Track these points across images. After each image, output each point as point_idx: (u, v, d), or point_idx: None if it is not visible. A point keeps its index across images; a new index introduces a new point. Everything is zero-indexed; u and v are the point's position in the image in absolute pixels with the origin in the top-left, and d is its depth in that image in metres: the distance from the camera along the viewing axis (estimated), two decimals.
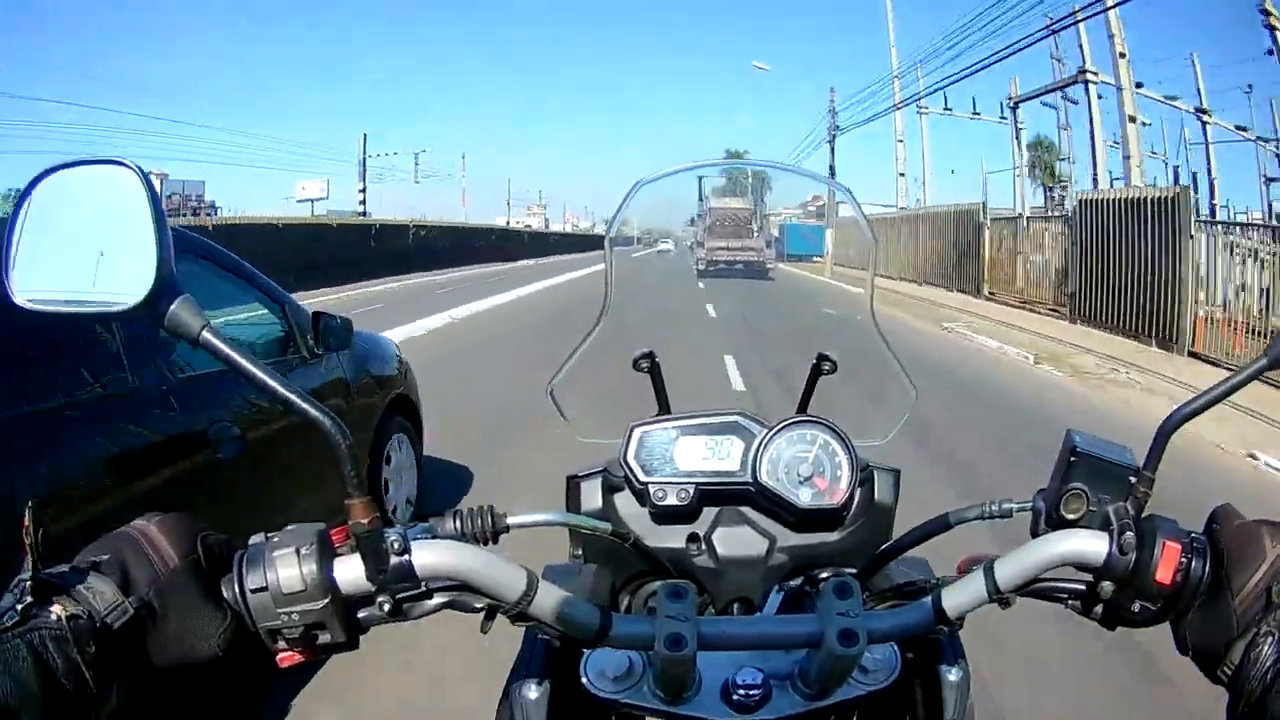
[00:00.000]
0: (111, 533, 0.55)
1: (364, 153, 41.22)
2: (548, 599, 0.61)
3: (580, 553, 0.89)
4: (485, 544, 0.65)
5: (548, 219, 69.43)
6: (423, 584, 0.60)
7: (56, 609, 0.48)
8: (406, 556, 0.58)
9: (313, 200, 37.71)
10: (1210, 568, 0.62)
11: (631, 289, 1.05)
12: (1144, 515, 0.65)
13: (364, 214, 36.24)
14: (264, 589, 0.55)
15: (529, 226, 60.91)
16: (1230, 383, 0.64)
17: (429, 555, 0.59)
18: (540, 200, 77.26)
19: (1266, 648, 0.57)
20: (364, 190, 39.86)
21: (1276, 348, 0.63)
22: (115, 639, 0.50)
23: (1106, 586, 0.64)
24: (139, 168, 0.56)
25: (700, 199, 7.11)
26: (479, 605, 0.62)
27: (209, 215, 25.08)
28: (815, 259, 33.01)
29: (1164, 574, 0.62)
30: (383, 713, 2.49)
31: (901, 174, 32.02)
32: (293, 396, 0.55)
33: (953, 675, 0.77)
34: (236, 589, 0.56)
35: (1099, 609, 0.66)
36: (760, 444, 0.84)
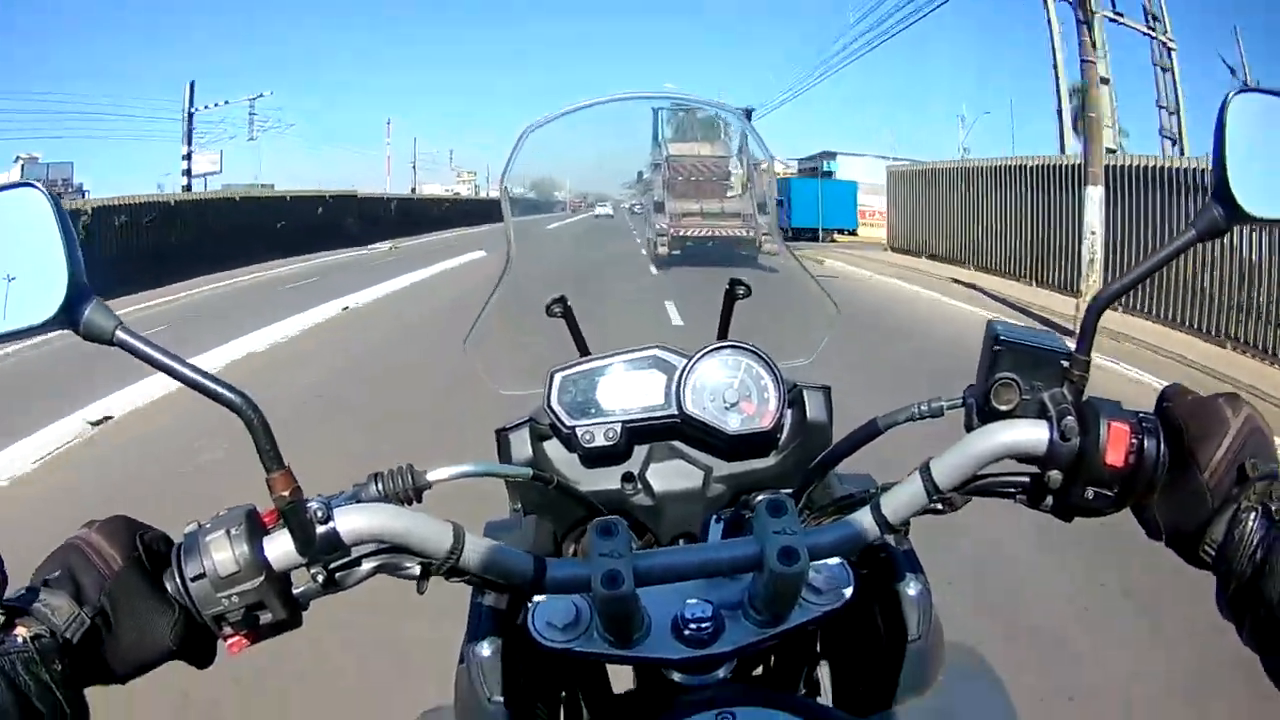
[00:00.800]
0: (58, 548, 0.57)
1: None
2: (477, 551, 0.62)
3: (519, 506, 0.89)
4: (409, 504, 0.65)
5: (477, 186, 65.61)
6: (352, 550, 0.60)
7: (20, 631, 0.50)
8: (331, 524, 0.59)
9: (205, 175, 34.47)
10: (1168, 445, 0.60)
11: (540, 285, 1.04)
12: (1084, 399, 0.64)
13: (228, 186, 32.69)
14: (202, 575, 0.56)
15: (457, 194, 57.91)
16: (1156, 258, 0.64)
17: (353, 520, 0.60)
18: (453, 167, 69.79)
19: (1250, 523, 0.56)
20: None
21: (1201, 220, 0.63)
22: (77, 651, 0.52)
23: (1054, 476, 0.62)
24: (45, 188, 0.58)
25: (656, 142, 5.26)
26: (410, 565, 0.62)
27: (78, 197, 21.63)
28: (838, 236, 24.73)
29: (1114, 456, 0.60)
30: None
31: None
32: (206, 381, 0.56)
33: (910, 589, 0.77)
34: (178, 579, 0.57)
35: (1050, 500, 0.64)
36: (682, 374, 0.84)
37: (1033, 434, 0.62)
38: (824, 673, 0.85)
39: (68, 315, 0.55)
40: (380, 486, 0.65)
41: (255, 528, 0.58)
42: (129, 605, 0.55)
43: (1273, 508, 0.56)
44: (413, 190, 49.91)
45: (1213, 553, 0.57)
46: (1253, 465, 0.57)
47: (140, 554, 0.57)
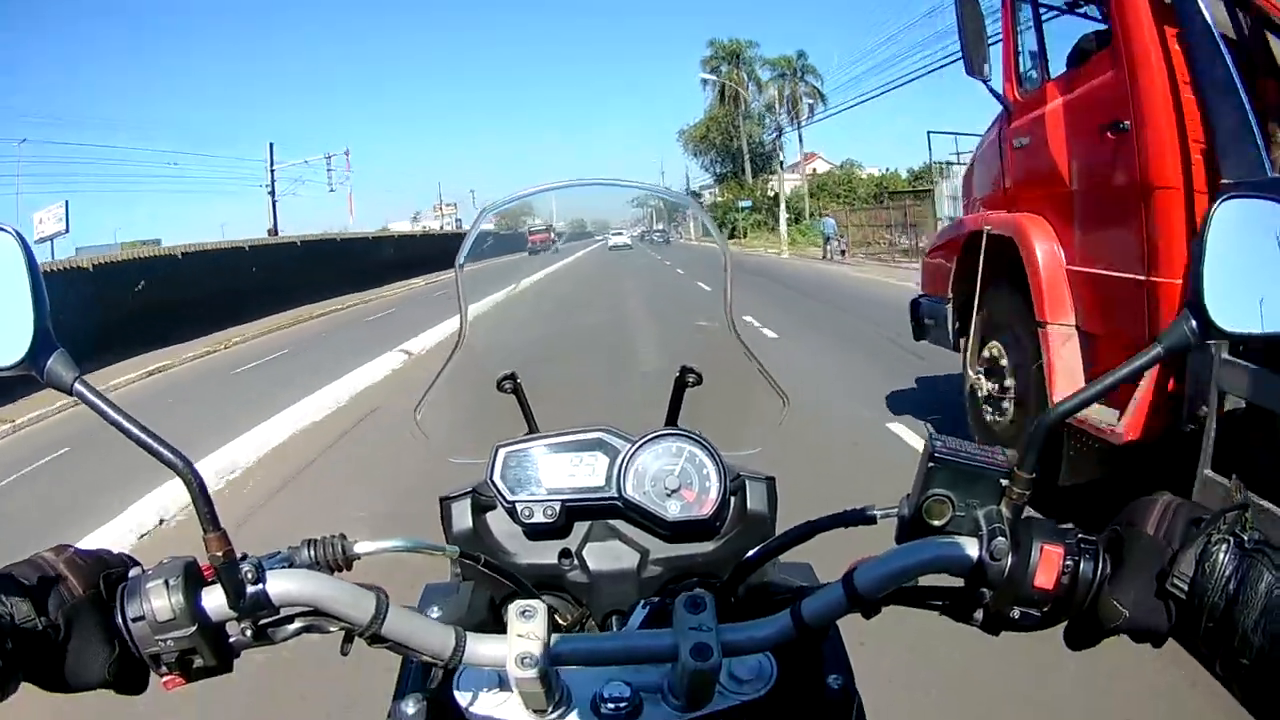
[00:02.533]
0: (29, 556, 0.61)
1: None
2: (399, 622, 0.66)
3: (459, 571, 0.91)
4: (338, 571, 0.68)
5: (459, 219, 61.64)
6: (281, 609, 0.65)
7: None
8: (262, 585, 0.63)
9: (50, 238, 25.27)
10: (1107, 564, 0.61)
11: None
12: (1022, 518, 0.64)
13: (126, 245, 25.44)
14: (142, 618, 0.60)
15: (426, 230, 54.09)
16: (1115, 375, 0.63)
17: (283, 583, 0.64)
18: (442, 200, 66.72)
19: (1222, 555, 0.56)
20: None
21: (1171, 335, 0.61)
22: (24, 642, 0.56)
23: (982, 593, 0.64)
24: (16, 230, 0.60)
25: None
26: (334, 629, 0.66)
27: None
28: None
29: (1044, 579, 0.61)
30: None
31: None
32: (152, 441, 0.60)
33: (833, 684, 0.78)
34: (120, 618, 0.61)
35: (978, 615, 0.65)
36: (624, 459, 0.87)
37: (961, 552, 0.64)
38: None
39: (32, 362, 0.59)
40: (311, 552, 0.68)
41: (192, 579, 0.62)
42: (80, 631, 0.59)
43: (1244, 538, 0.56)
44: (385, 230, 45.55)
45: (1184, 586, 0.56)
46: (1208, 511, 0.58)
47: (100, 589, 0.61)
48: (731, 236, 43.82)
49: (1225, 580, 0.55)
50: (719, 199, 51.58)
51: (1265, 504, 2.64)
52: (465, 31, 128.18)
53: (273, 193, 36.73)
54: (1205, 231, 0.61)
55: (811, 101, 47.00)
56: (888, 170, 46.57)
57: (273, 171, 36.76)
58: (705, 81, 51.37)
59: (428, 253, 32.20)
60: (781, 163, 46.62)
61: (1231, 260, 0.60)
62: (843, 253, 27.92)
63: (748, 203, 47.84)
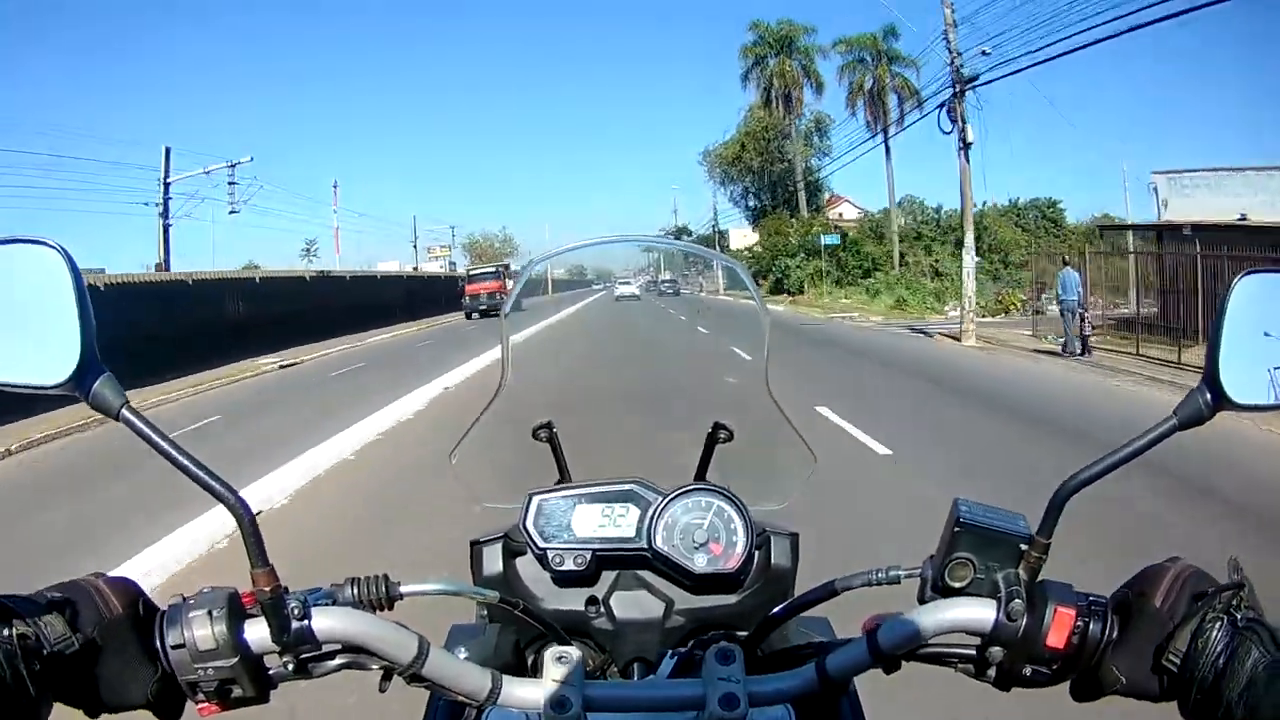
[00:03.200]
0: (67, 580, 0.62)
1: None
2: (439, 662, 0.68)
3: (485, 613, 0.95)
4: (380, 610, 0.70)
5: (454, 263, 59.22)
6: (323, 645, 0.66)
7: (12, 629, 0.55)
8: (307, 621, 0.65)
9: None
10: (1114, 625, 0.64)
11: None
12: (1038, 580, 0.67)
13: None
14: (182, 645, 0.61)
15: (415, 270, 51.84)
16: (1131, 447, 0.65)
17: (327, 621, 0.66)
18: (434, 241, 60.74)
19: (1215, 632, 0.58)
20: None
21: (1186, 408, 0.64)
22: (59, 665, 0.57)
23: (995, 652, 0.67)
24: (62, 247, 0.59)
25: None
26: (375, 667, 0.68)
27: None
28: None
29: (1055, 639, 0.65)
30: None
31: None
32: (202, 474, 0.61)
33: None
34: (159, 644, 0.62)
35: (991, 672, 0.69)
36: (655, 511, 0.89)
37: (980, 614, 0.67)
38: None
39: (78, 383, 0.59)
40: (355, 591, 0.70)
41: (236, 610, 0.63)
42: (117, 649, 0.60)
43: (1238, 616, 0.59)
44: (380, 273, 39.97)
45: (1177, 661, 0.60)
46: (1215, 583, 0.61)
47: (139, 610, 0.62)
48: (778, 291, 36.13)
49: (1216, 656, 0.58)
50: (754, 247, 41.32)
51: None
52: (444, 44, 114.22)
53: (165, 214, 25.14)
54: (1224, 306, 0.63)
55: (904, 99, 33.08)
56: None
57: (167, 185, 25.25)
58: (747, 77, 39.07)
59: (405, 301, 32.40)
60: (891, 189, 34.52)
61: (1247, 335, 0.63)
62: (1083, 345, 13.80)
63: (833, 238, 35.56)
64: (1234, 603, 0.60)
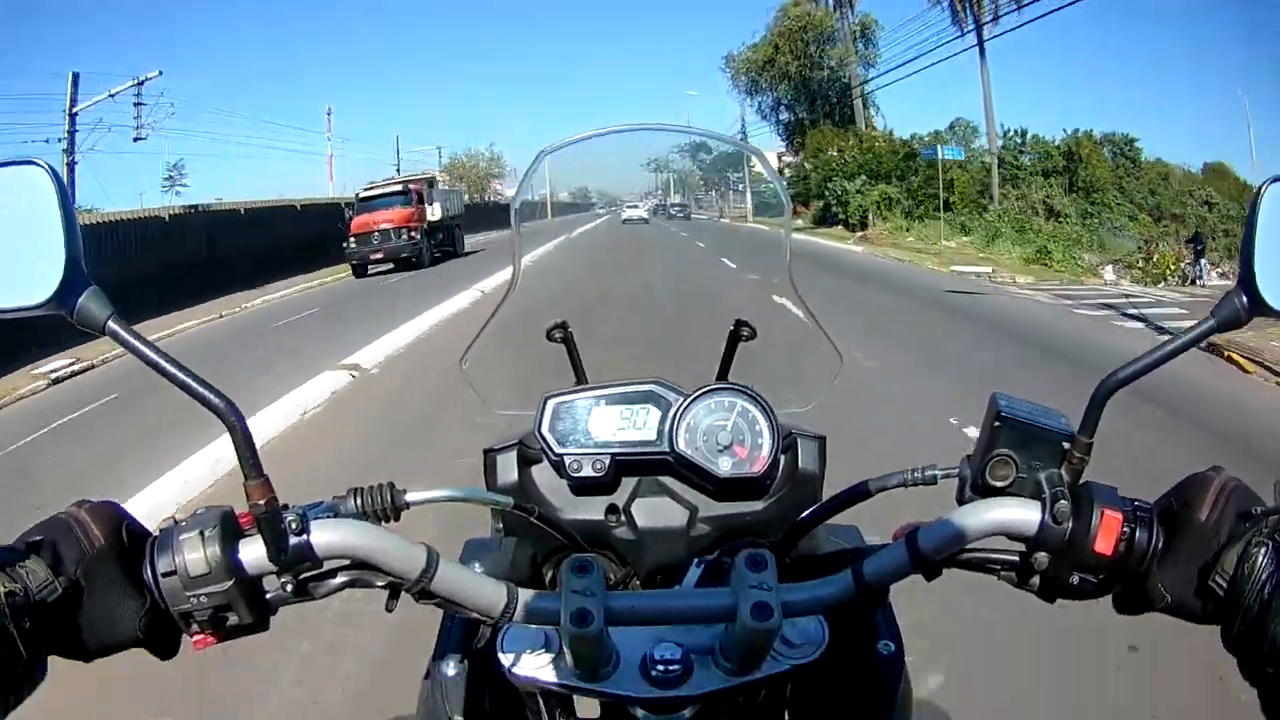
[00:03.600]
0: (47, 517, 0.59)
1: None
2: (449, 576, 0.65)
3: (501, 526, 0.91)
4: (386, 521, 0.67)
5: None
6: (324, 563, 0.63)
7: None
8: (305, 536, 0.61)
9: None
10: (1160, 532, 0.62)
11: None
12: (1081, 482, 0.65)
13: None
14: (173, 572, 0.59)
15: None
16: (1171, 346, 0.63)
17: (327, 534, 0.62)
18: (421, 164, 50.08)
19: (1261, 558, 0.57)
20: None
21: (1222, 309, 0.63)
22: (47, 615, 0.55)
23: (1041, 558, 0.64)
24: (50, 166, 0.58)
25: None
26: (381, 584, 0.65)
27: None
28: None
29: (1104, 544, 0.62)
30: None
31: None
32: (191, 381, 0.59)
33: (884, 650, 0.79)
34: (148, 573, 0.59)
35: (1035, 580, 0.66)
36: (677, 412, 0.85)
37: (1024, 515, 0.64)
38: None
39: (61, 300, 0.57)
40: (359, 502, 0.67)
41: (230, 531, 0.60)
42: (103, 586, 0.57)
43: None
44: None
45: (1224, 584, 0.58)
46: (1258, 508, 0.59)
47: (123, 539, 0.60)
48: (829, 222, 29.22)
49: (1261, 585, 0.56)
50: (801, 163, 33.74)
51: None
52: None
53: (71, 149, 21.74)
54: (1254, 213, 0.62)
55: None
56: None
57: (73, 116, 21.84)
58: None
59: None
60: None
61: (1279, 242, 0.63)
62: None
63: (957, 151, 27.07)
64: None
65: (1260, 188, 0.64)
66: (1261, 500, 0.61)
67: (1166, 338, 0.66)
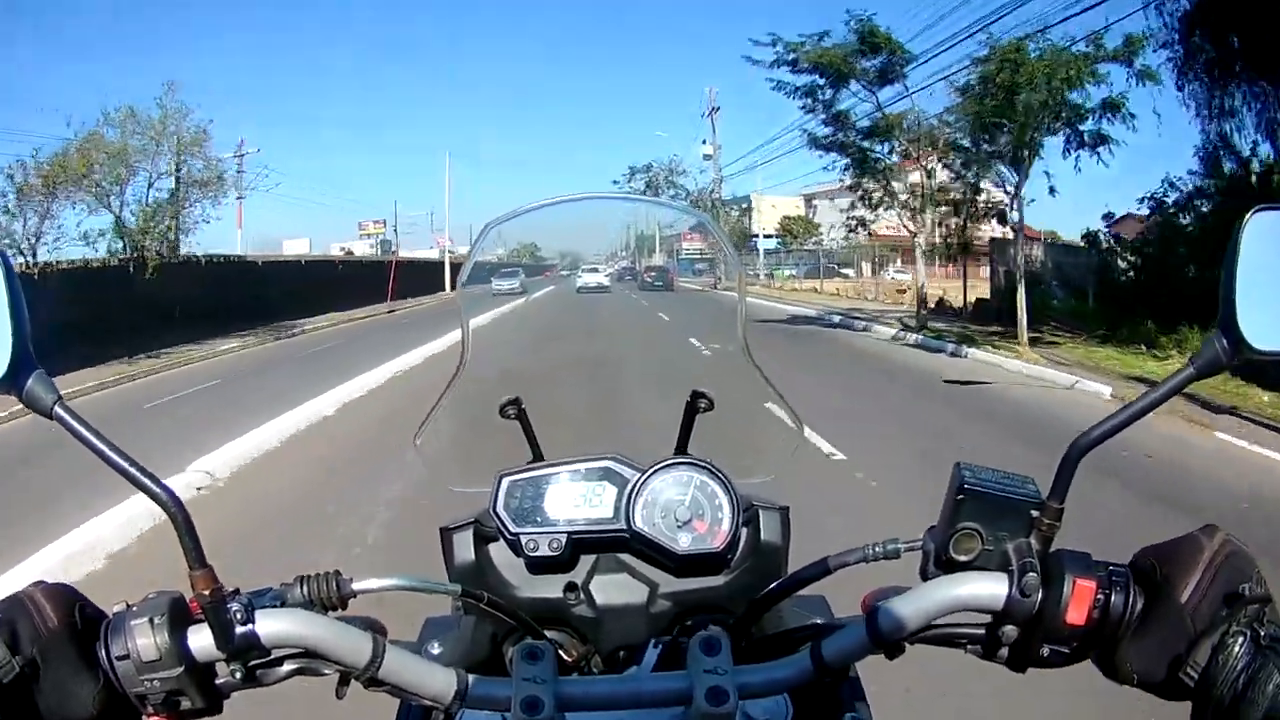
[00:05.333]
0: (5, 596, 0.61)
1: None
2: (398, 664, 0.65)
3: (460, 604, 0.89)
4: (333, 610, 0.67)
5: (395, 244, 47.63)
6: (272, 651, 0.64)
7: None
8: (251, 625, 0.62)
9: None
10: (1137, 597, 0.61)
11: None
12: (1052, 550, 0.64)
13: None
14: (126, 656, 0.60)
15: (349, 254, 43.68)
16: (1145, 400, 0.62)
17: (273, 624, 0.63)
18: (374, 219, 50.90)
19: (1236, 648, 0.55)
20: None
21: (1202, 355, 0.61)
22: (4, 692, 0.56)
23: (1009, 630, 0.63)
24: (1, 253, 0.60)
25: None
26: (329, 671, 0.65)
27: None
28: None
29: (1076, 615, 0.61)
30: None
31: None
32: (134, 470, 0.60)
33: None
34: (103, 655, 0.60)
35: (1004, 652, 0.65)
36: (633, 489, 0.85)
37: (990, 589, 0.63)
38: None
39: (10, 381, 0.59)
40: (305, 590, 0.67)
41: (179, 617, 0.62)
42: (58, 665, 0.59)
43: (1261, 633, 0.56)
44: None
45: (1195, 676, 0.57)
46: (1245, 589, 0.58)
47: (76, 621, 0.61)
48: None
49: (1236, 676, 0.55)
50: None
51: None
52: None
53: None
54: (1235, 247, 0.60)
55: None
56: None
57: None
58: None
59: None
60: None
61: (1264, 277, 0.60)
62: None
63: None
64: (1260, 617, 0.57)
65: (1242, 218, 0.61)
66: (1255, 565, 0.60)
67: (1143, 390, 0.64)
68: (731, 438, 1.02)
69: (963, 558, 0.65)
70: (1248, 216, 0.61)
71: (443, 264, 38.41)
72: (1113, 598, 0.61)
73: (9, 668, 0.56)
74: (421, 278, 34.70)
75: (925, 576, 0.67)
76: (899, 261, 34.77)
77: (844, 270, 37.84)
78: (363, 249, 50.72)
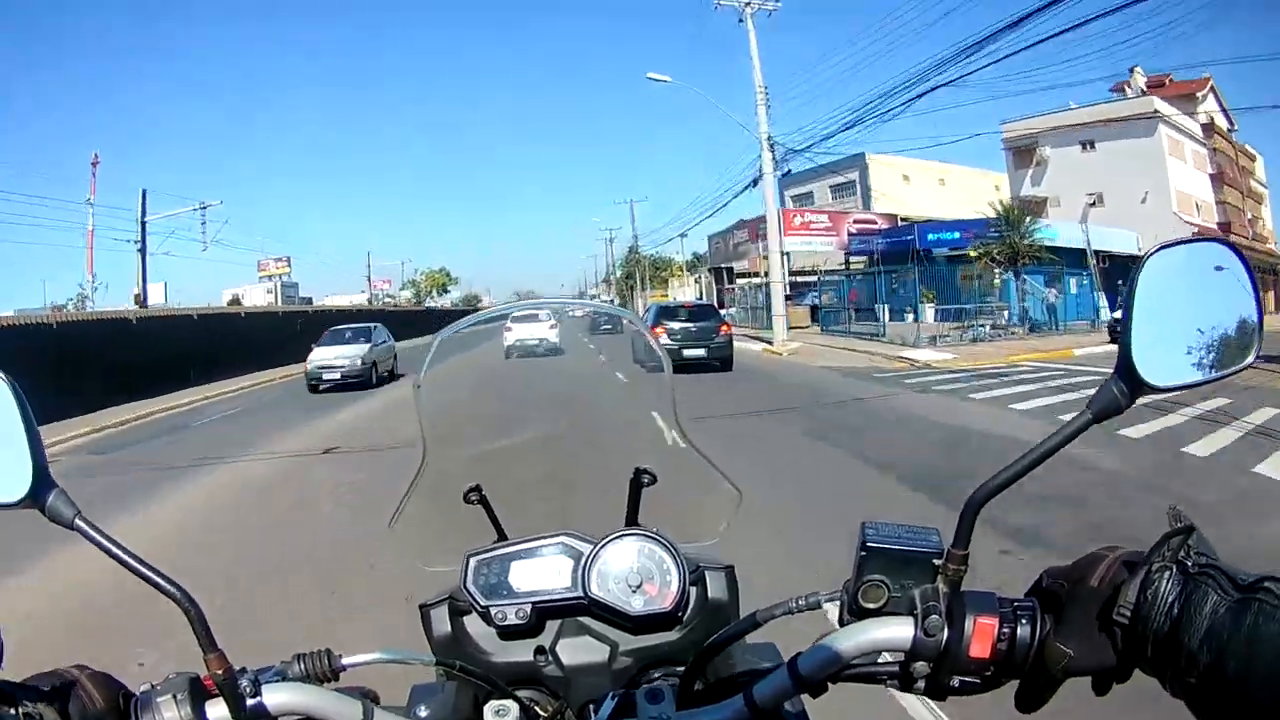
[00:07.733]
0: (52, 670, 0.68)
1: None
2: None
3: (443, 671, 0.98)
4: (326, 682, 0.77)
5: (280, 281, 42.33)
6: (278, 719, 0.74)
7: (14, 710, 0.62)
8: (259, 698, 0.72)
9: None
10: (1046, 621, 0.66)
11: None
12: (960, 591, 0.69)
13: None
14: None
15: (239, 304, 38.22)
16: (1044, 447, 0.65)
17: (278, 696, 0.74)
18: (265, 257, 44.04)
19: (1165, 583, 0.58)
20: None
21: (1100, 399, 0.63)
22: None
23: (920, 666, 0.69)
24: (10, 379, 0.66)
25: None
26: None
27: None
28: None
29: (979, 649, 0.67)
30: None
31: None
32: (152, 574, 0.68)
33: None
34: None
35: (921, 684, 0.71)
36: (587, 560, 0.95)
37: (898, 632, 0.71)
38: None
39: (34, 499, 0.66)
40: (302, 666, 0.77)
41: (197, 693, 0.71)
42: None
43: (1189, 563, 0.59)
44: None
45: (1127, 615, 0.59)
46: (1169, 518, 0.60)
47: (119, 703, 0.69)
48: None
49: (1169, 605, 0.57)
50: None
51: None
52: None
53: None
54: (1134, 288, 0.62)
55: None
56: None
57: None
58: None
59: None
60: None
61: (1160, 315, 0.62)
62: None
63: None
64: (1183, 550, 0.59)
65: (1143, 259, 0.62)
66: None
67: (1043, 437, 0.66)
68: (676, 506, 1.13)
69: (871, 605, 0.72)
70: (1147, 256, 0.63)
71: (378, 311, 34.87)
72: (1019, 630, 0.67)
73: None
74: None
75: (842, 623, 0.74)
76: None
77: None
78: (259, 295, 44.76)
